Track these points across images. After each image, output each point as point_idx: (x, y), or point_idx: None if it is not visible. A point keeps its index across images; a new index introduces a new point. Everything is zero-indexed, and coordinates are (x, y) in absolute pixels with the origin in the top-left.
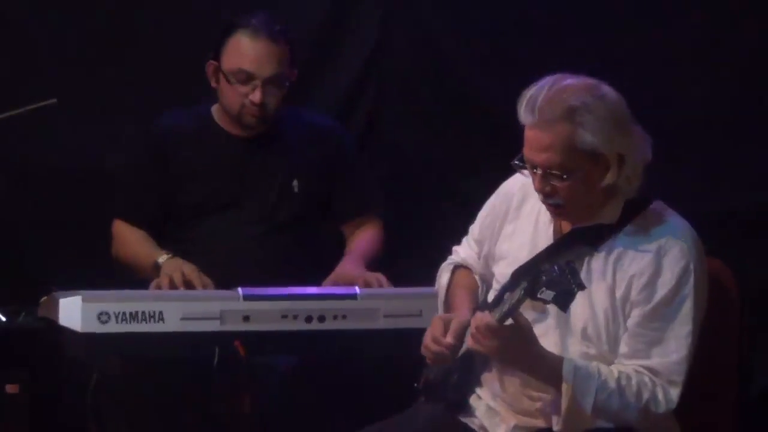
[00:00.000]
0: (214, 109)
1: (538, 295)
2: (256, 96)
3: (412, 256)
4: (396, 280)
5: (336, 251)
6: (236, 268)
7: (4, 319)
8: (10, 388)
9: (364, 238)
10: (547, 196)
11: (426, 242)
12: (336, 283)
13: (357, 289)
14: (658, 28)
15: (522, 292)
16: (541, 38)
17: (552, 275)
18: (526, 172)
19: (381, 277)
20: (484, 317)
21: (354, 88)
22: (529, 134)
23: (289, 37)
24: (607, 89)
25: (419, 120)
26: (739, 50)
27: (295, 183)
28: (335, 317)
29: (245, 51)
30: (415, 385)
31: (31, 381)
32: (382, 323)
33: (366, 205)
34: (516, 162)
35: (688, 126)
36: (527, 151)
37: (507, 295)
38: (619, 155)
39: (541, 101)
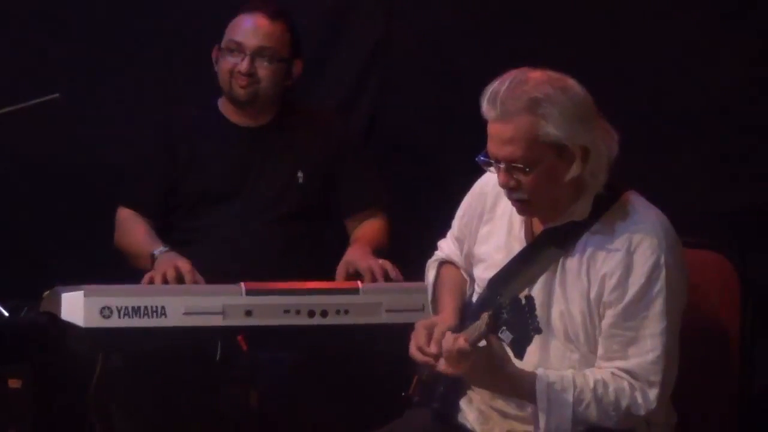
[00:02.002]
0: (221, 101)
1: (499, 334)
2: (243, 65)
3: (414, 251)
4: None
5: (341, 243)
6: (241, 257)
7: (6, 314)
8: (13, 383)
9: (369, 229)
10: (512, 191)
11: (429, 237)
12: (345, 270)
13: (359, 284)
14: (665, 22)
15: (485, 327)
16: (545, 33)
17: (512, 316)
18: (491, 168)
19: (387, 263)
20: (457, 342)
21: (357, 83)
22: (492, 128)
23: (288, 21)
24: (571, 82)
25: (423, 114)
26: (745, 45)
27: (300, 174)
28: (337, 312)
29: (239, 24)
30: (403, 393)
31: (33, 376)
32: (384, 318)
33: (370, 199)
34: (481, 158)
35: (693, 121)
36: (491, 146)
37: (474, 324)
38: (583, 148)
39: (503, 94)
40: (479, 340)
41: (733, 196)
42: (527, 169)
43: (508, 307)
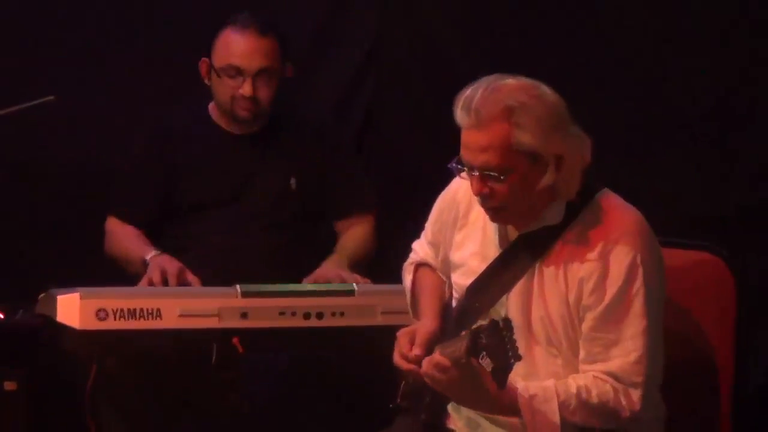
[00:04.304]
0: (211, 108)
1: (480, 359)
2: (246, 89)
3: (409, 252)
4: (394, 278)
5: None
6: (234, 266)
7: (2, 316)
8: (8, 386)
9: (351, 238)
10: (486, 199)
11: None
12: (314, 282)
13: (355, 286)
14: (657, 24)
15: (465, 350)
16: (540, 34)
17: (491, 341)
18: (464, 174)
19: (358, 278)
20: (434, 357)
21: (352, 84)
22: (465, 136)
23: (279, 32)
24: (545, 89)
25: (417, 116)
26: (739, 44)
27: (292, 181)
28: (333, 314)
29: (233, 46)
30: (391, 405)
31: (29, 378)
32: (379, 320)
33: (357, 203)
34: (454, 165)
35: (686, 121)
36: (464, 153)
37: (452, 341)
38: (557, 156)
39: (476, 102)
40: (458, 360)
41: (727, 197)
42: (501, 177)
43: (486, 332)
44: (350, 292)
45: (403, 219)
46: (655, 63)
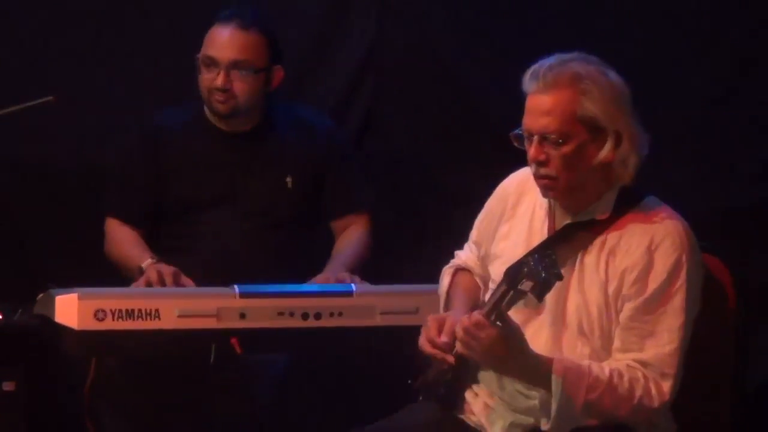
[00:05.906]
0: (206, 107)
1: (519, 287)
2: (219, 80)
3: (408, 253)
4: (392, 278)
5: (330, 248)
6: (230, 264)
7: (0, 316)
8: (7, 386)
9: (349, 242)
10: (540, 165)
11: (422, 239)
12: None
13: (353, 286)
14: (657, 24)
15: (505, 285)
16: (539, 36)
17: (531, 266)
18: (523, 143)
19: (355, 278)
20: (472, 317)
21: (351, 86)
22: (530, 100)
23: (266, 30)
24: (613, 73)
25: (416, 118)
26: (737, 43)
27: (288, 179)
28: (331, 314)
29: (213, 38)
30: (409, 381)
31: (27, 379)
32: (378, 320)
33: (353, 203)
34: (516, 132)
35: (686, 121)
36: (527, 119)
37: (493, 291)
38: (617, 133)
39: (546, 69)
40: (497, 307)
41: (728, 197)
42: (560, 141)
43: (529, 261)
44: (348, 293)
45: (402, 219)
46: (655, 62)
